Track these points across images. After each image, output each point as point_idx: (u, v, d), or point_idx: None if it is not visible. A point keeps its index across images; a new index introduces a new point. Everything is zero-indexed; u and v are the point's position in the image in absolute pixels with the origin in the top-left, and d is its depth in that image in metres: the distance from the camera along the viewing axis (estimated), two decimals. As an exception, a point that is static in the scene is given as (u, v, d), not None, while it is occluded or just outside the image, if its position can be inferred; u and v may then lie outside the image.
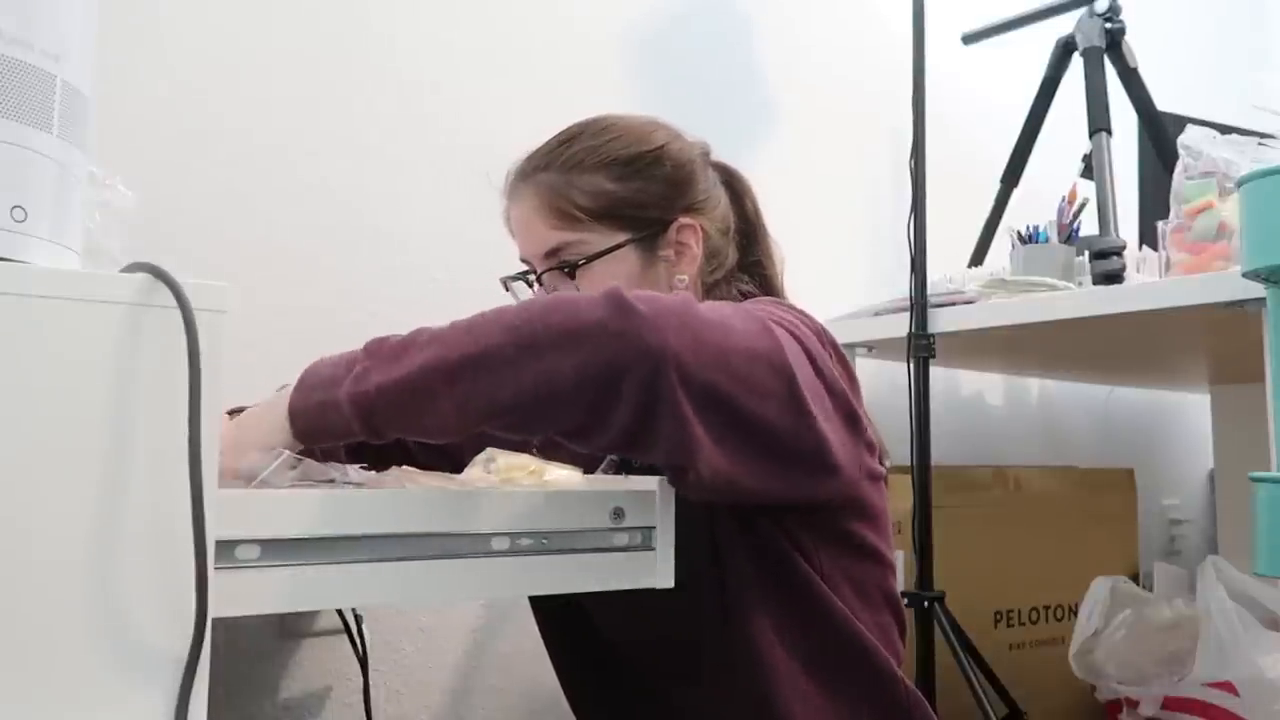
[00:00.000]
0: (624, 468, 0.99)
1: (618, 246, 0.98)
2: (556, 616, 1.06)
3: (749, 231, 1.08)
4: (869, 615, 0.92)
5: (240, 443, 0.74)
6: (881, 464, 0.95)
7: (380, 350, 0.74)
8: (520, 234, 1.04)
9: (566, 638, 1.05)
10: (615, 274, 0.98)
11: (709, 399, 0.71)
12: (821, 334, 0.89)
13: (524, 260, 1.05)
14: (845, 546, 0.91)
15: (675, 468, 0.74)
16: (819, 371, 0.82)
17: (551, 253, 1.00)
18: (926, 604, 1.44)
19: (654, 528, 0.79)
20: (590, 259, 0.98)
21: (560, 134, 1.03)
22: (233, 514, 0.60)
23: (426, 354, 0.71)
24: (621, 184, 0.99)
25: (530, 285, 1.05)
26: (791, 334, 0.82)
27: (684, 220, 1.00)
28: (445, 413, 0.71)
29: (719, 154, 1.09)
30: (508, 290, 1.07)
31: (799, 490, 0.83)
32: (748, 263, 1.07)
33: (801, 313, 0.91)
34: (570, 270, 0.99)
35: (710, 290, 1.03)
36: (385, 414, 0.72)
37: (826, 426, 0.80)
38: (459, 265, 1.46)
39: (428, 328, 0.74)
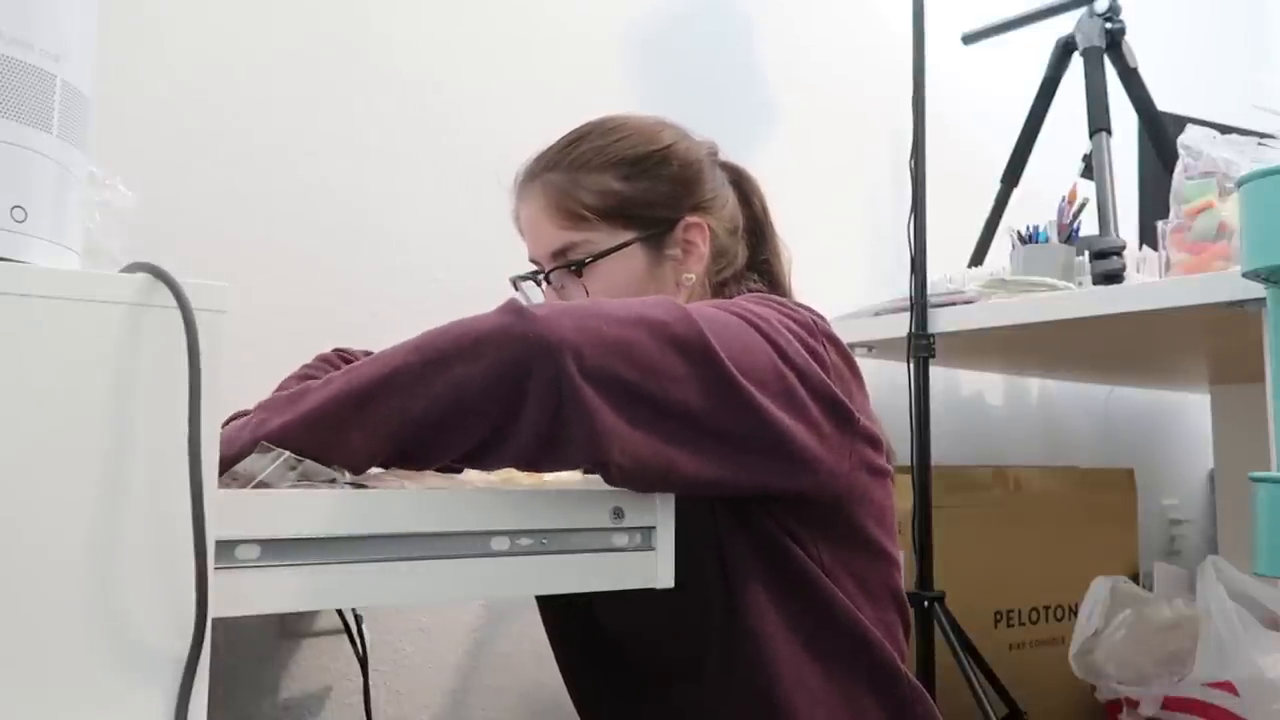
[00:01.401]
0: None
1: (624, 245, 0.99)
2: (560, 612, 1.06)
3: (757, 230, 1.08)
4: (873, 610, 0.92)
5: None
6: (888, 460, 0.95)
7: (274, 401, 0.73)
8: (529, 234, 1.04)
9: (570, 633, 1.05)
10: (622, 272, 0.98)
11: (614, 387, 0.71)
12: (811, 326, 0.88)
13: (533, 261, 1.05)
14: (847, 541, 0.91)
15: (598, 463, 0.73)
16: (786, 360, 0.81)
17: (559, 252, 1.00)
18: (926, 604, 1.44)
19: (654, 527, 0.79)
20: (597, 257, 0.98)
21: (568, 134, 1.03)
22: (233, 514, 0.60)
23: (330, 388, 0.71)
24: (628, 183, 0.99)
25: (539, 285, 1.05)
26: (753, 325, 0.81)
27: (691, 219, 1.01)
28: (353, 441, 0.70)
29: (720, 154, 1.09)
30: (517, 289, 1.07)
31: (763, 478, 0.82)
32: (756, 261, 1.08)
33: (790, 307, 0.90)
34: (577, 269, 0.99)
35: (719, 289, 1.03)
36: (309, 443, 0.70)
37: (787, 414, 0.79)
38: (460, 265, 1.46)
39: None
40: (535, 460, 0.74)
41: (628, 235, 0.99)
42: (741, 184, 1.08)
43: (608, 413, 0.71)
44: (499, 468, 0.77)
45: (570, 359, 0.69)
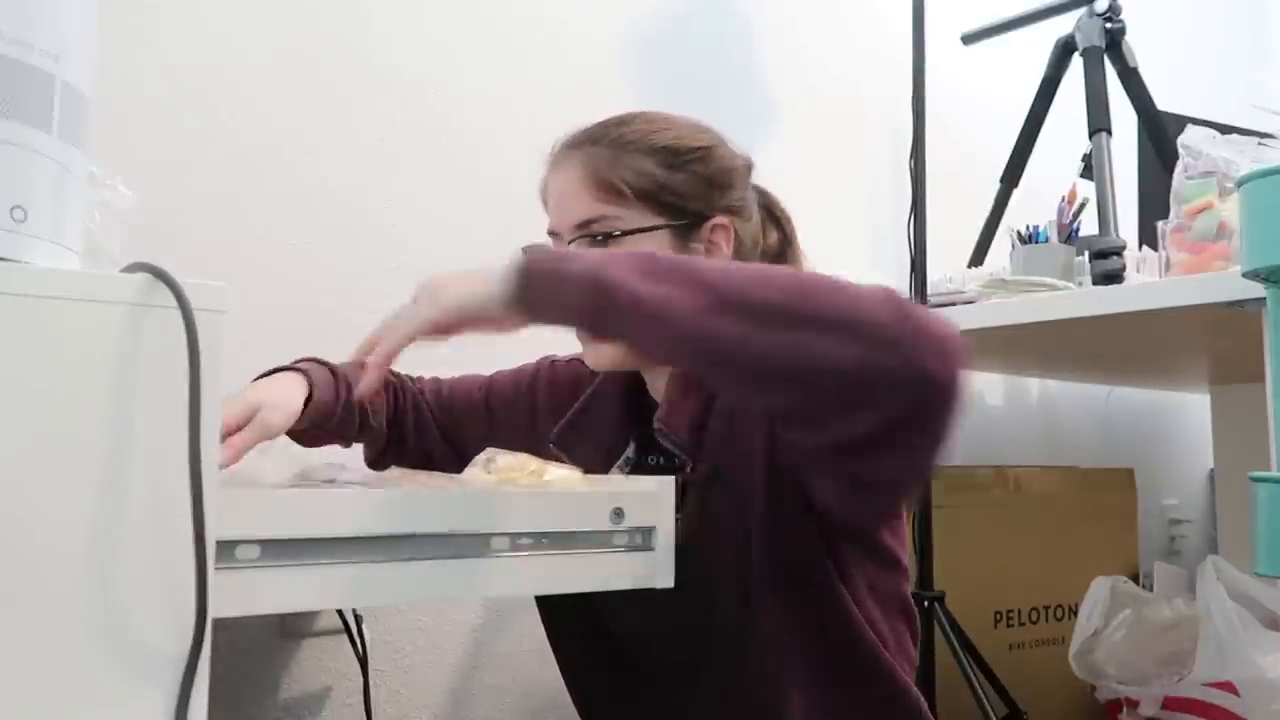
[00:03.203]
0: (638, 469, 0.99)
1: (653, 228, 0.97)
2: (563, 611, 1.05)
3: (781, 257, 1.08)
4: (886, 623, 0.93)
5: (447, 284, 0.78)
6: None
7: (635, 263, 0.73)
8: (557, 203, 1.01)
9: (573, 632, 1.05)
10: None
11: (948, 432, 0.71)
12: None
13: (552, 232, 1.02)
14: (868, 551, 0.93)
15: (892, 484, 0.75)
16: None
17: (585, 223, 0.98)
18: (926, 604, 1.44)
19: (654, 528, 0.79)
20: (624, 234, 0.97)
21: (614, 116, 1.02)
22: (233, 514, 0.60)
23: (692, 278, 0.71)
24: (667, 171, 0.98)
25: None
26: None
27: (719, 220, 1.00)
28: (678, 337, 0.70)
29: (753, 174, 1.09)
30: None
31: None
32: None
33: None
34: (604, 240, 0.97)
35: None
36: (624, 319, 0.72)
37: None
38: (460, 265, 1.46)
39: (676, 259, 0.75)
40: (839, 452, 0.73)
41: (658, 221, 0.98)
42: (772, 210, 1.09)
43: (924, 459, 0.71)
44: (798, 440, 0.76)
45: (937, 398, 0.68)
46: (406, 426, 1.12)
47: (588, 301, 0.73)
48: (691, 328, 0.70)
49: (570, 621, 1.04)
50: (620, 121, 1.01)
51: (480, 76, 1.52)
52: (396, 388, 1.13)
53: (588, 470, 0.95)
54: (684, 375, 0.94)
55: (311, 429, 0.99)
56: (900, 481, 0.73)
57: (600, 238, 0.97)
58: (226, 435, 0.89)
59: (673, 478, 0.81)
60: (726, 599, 0.88)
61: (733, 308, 0.70)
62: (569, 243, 0.99)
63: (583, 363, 1.10)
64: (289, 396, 0.97)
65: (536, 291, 0.76)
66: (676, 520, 0.90)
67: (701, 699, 0.93)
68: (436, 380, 1.17)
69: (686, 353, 0.72)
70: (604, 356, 0.95)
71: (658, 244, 0.98)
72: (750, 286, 0.71)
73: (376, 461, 1.12)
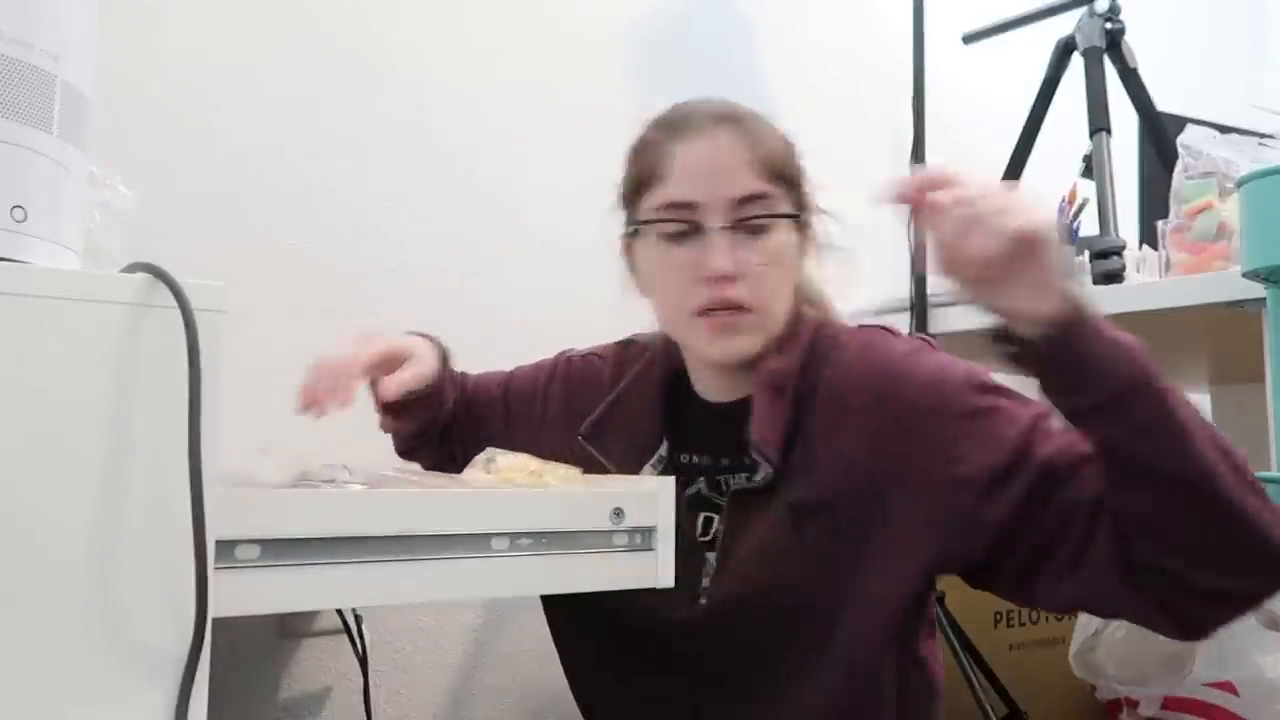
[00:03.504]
0: (670, 468, 0.98)
1: (796, 216, 0.97)
2: (579, 611, 1.02)
3: None
4: (925, 646, 0.94)
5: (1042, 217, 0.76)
6: None
7: (1156, 366, 0.76)
8: (710, 172, 0.94)
9: (587, 633, 1.03)
10: (789, 243, 0.96)
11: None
12: None
13: (683, 204, 0.93)
14: None
15: (1180, 627, 0.80)
16: None
17: (750, 198, 0.93)
18: (926, 604, 1.44)
19: (654, 528, 0.79)
20: (781, 216, 0.94)
21: (727, 100, 1.03)
22: (233, 514, 0.60)
23: (1182, 401, 0.75)
24: (799, 166, 0.99)
25: (710, 230, 0.92)
26: None
27: (813, 218, 1.01)
28: (1189, 466, 0.73)
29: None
30: (628, 250, 1.00)
31: None
32: None
33: None
34: (797, 221, 0.96)
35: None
36: (1145, 412, 0.74)
37: None
38: (459, 265, 1.46)
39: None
40: (1172, 588, 0.78)
41: (797, 211, 0.97)
42: None
43: (1234, 620, 0.80)
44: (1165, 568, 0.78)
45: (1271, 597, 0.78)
46: (454, 418, 1.12)
47: (1130, 377, 0.74)
48: (1200, 452, 0.73)
49: (581, 620, 1.03)
50: (749, 108, 1.01)
51: (480, 76, 1.52)
52: (454, 379, 1.12)
53: (619, 467, 0.95)
54: (769, 386, 0.92)
55: (422, 397, 1.03)
56: (1198, 628, 0.80)
57: (790, 217, 0.95)
58: (374, 372, 0.96)
59: (672, 478, 0.81)
60: (796, 623, 0.88)
61: (1219, 449, 0.74)
62: (731, 223, 0.92)
63: (599, 357, 1.09)
64: (431, 355, 1.03)
65: (1082, 326, 0.75)
66: (764, 524, 0.90)
67: (710, 699, 0.93)
68: (464, 375, 1.17)
69: (1186, 473, 0.73)
70: (735, 349, 0.92)
71: (794, 233, 0.97)
72: (1213, 430, 0.75)
73: (412, 451, 1.13)
